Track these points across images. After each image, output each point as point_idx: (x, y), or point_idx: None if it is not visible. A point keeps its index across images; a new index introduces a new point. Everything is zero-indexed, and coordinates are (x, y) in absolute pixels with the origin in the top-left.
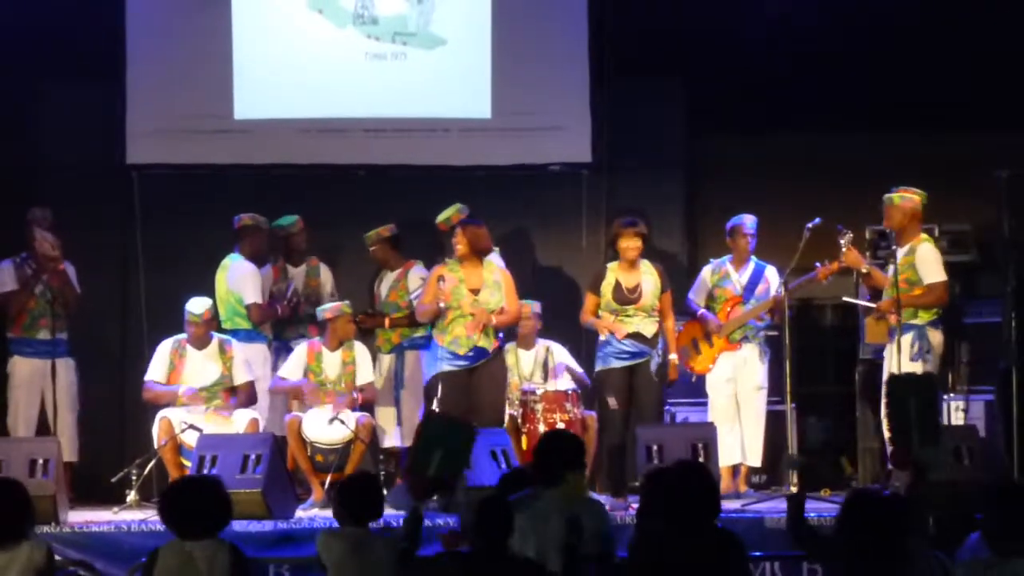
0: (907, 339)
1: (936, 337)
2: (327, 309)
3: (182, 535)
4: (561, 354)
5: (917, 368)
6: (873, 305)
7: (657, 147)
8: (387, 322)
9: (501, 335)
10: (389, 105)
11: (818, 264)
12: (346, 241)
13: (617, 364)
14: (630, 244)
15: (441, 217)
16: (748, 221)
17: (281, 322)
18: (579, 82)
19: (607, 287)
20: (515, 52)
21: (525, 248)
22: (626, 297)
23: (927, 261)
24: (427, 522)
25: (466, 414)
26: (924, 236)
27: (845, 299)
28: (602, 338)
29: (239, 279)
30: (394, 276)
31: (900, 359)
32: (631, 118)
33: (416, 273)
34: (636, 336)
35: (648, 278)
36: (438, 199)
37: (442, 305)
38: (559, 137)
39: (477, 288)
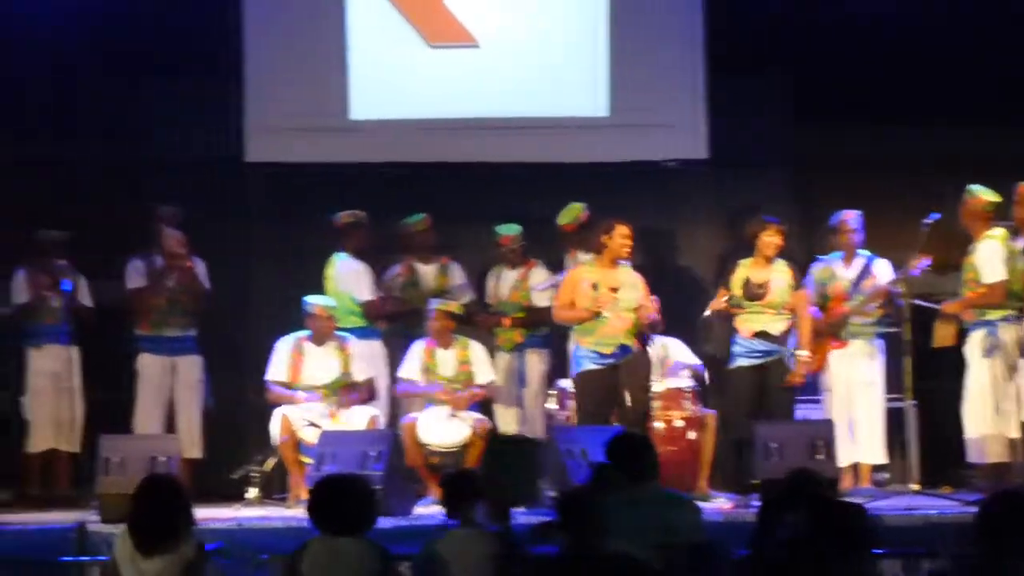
0: (979, 335)
1: (1009, 333)
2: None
3: (330, 531)
4: (678, 349)
5: (986, 365)
6: (938, 306)
7: (768, 142)
8: (507, 321)
9: (651, 336)
10: (505, 103)
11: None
12: (459, 240)
13: (747, 362)
14: (773, 240)
15: (568, 217)
16: (850, 217)
17: (395, 318)
18: (694, 77)
19: (737, 282)
20: (631, 49)
21: (640, 245)
22: (754, 293)
23: (985, 259)
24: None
25: (610, 411)
26: (989, 233)
27: (916, 301)
28: (738, 338)
29: (346, 278)
30: (515, 275)
31: (974, 356)
32: (744, 113)
33: (538, 273)
34: (763, 334)
35: (779, 276)
36: (553, 197)
37: (606, 314)
38: (675, 133)
39: (616, 288)
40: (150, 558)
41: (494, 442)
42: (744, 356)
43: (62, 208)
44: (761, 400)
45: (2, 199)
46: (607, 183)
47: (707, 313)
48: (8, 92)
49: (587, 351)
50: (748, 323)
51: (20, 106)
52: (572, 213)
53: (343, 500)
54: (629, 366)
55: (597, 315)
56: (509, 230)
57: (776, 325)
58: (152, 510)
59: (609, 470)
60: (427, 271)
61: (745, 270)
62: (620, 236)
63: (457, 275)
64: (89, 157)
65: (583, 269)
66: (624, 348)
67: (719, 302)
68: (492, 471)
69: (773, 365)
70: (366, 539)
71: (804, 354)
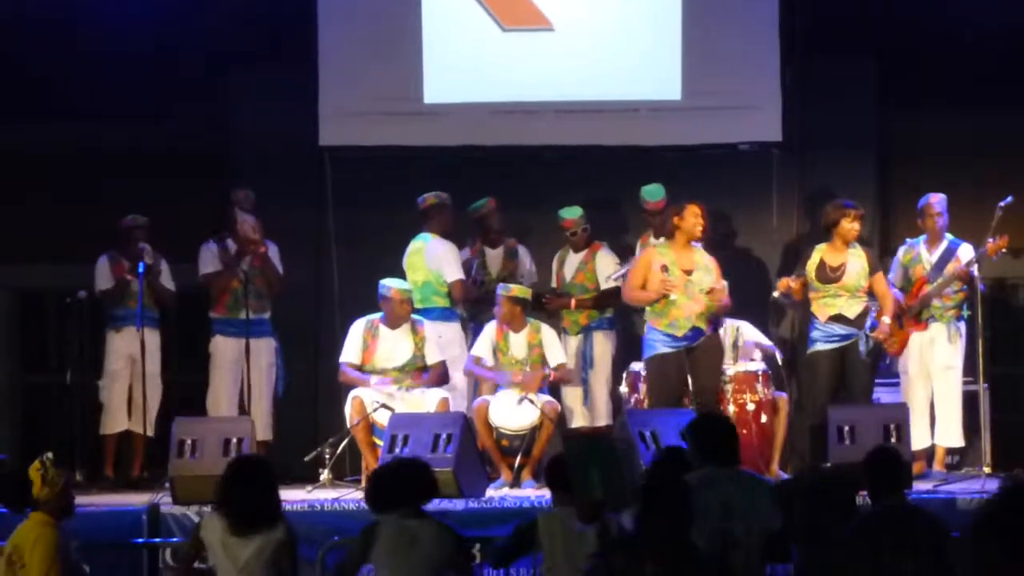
0: None
1: None
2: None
3: (385, 511)
4: (750, 332)
5: None
6: None
7: (849, 126)
8: (573, 303)
9: (722, 320)
10: (578, 86)
11: (990, 240)
12: (534, 223)
13: (825, 347)
14: (854, 226)
15: (657, 195)
16: (936, 200)
17: (475, 302)
18: (770, 60)
19: (812, 266)
20: (705, 31)
21: (714, 228)
22: (829, 276)
23: None
24: None
25: (682, 393)
26: None
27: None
28: (815, 322)
29: (438, 256)
30: (580, 258)
31: None
32: (822, 96)
33: (604, 255)
34: (839, 318)
35: (855, 260)
36: (626, 180)
37: (673, 297)
38: (749, 116)
39: (690, 270)
40: (245, 539)
41: (573, 446)
42: (822, 340)
43: (140, 192)
44: (839, 384)
45: (84, 184)
46: (680, 167)
47: (775, 294)
48: (87, 79)
49: (660, 334)
50: (824, 307)
51: (99, 93)
52: (661, 193)
53: (393, 483)
54: (701, 349)
55: (666, 297)
56: (571, 213)
57: (852, 308)
58: (247, 491)
59: (684, 453)
60: (494, 255)
61: (820, 254)
62: (692, 216)
63: (524, 258)
64: (166, 142)
65: (656, 250)
66: (697, 331)
67: (785, 283)
68: (579, 476)
69: (851, 348)
70: (437, 521)
71: (886, 320)
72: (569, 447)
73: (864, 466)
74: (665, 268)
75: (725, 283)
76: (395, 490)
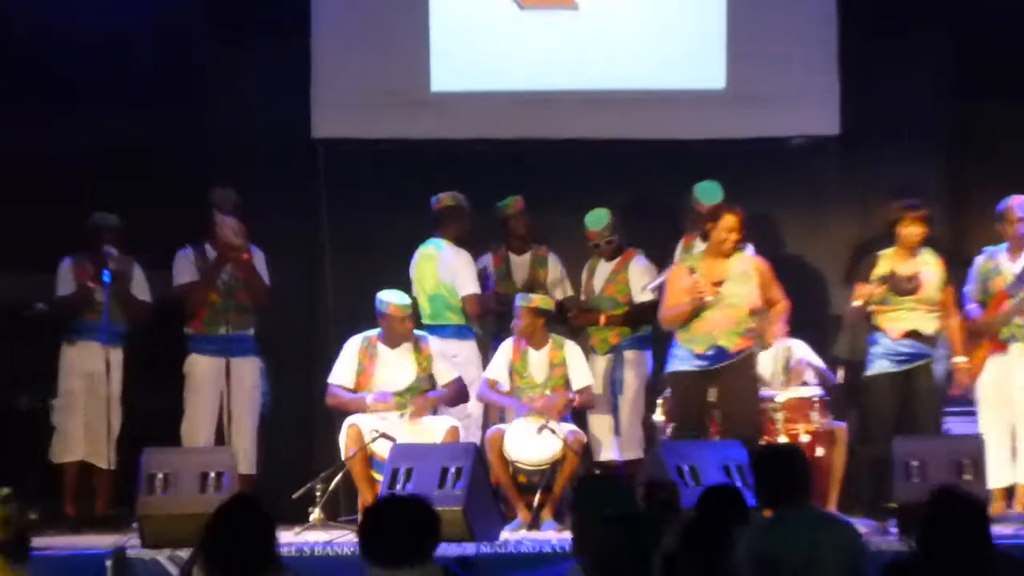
0: None
1: None
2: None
3: (383, 564)
4: (803, 352)
5: None
6: None
7: (915, 117)
8: (602, 319)
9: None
10: (607, 72)
11: None
12: (555, 226)
13: (890, 367)
14: (913, 229)
15: (714, 196)
16: (1017, 204)
17: (493, 317)
18: (826, 45)
19: (879, 276)
20: (753, 10)
21: (763, 232)
22: (904, 287)
23: None
24: None
25: (701, 421)
26: None
27: None
28: (878, 338)
29: (452, 267)
30: (610, 267)
31: None
32: (885, 83)
33: (638, 265)
34: (913, 334)
35: (929, 268)
36: (662, 179)
37: (709, 299)
38: (802, 107)
39: (720, 280)
40: None
41: (582, 484)
42: (886, 359)
43: (112, 192)
44: (904, 411)
45: (45, 184)
46: (723, 164)
47: (856, 304)
48: (46, 63)
49: (681, 348)
50: (897, 322)
51: (61, 80)
52: (719, 195)
53: (393, 527)
54: (727, 375)
55: (699, 306)
56: (595, 223)
57: (928, 324)
58: (238, 538)
59: (736, 494)
60: (520, 262)
61: (888, 262)
62: (724, 229)
63: (554, 267)
64: (139, 136)
65: (687, 261)
66: (720, 351)
67: (867, 290)
68: (588, 516)
69: (920, 371)
70: (431, 564)
71: (961, 360)
72: (579, 488)
73: (927, 508)
74: (692, 270)
75: (786, 304)
76: (391, 536)
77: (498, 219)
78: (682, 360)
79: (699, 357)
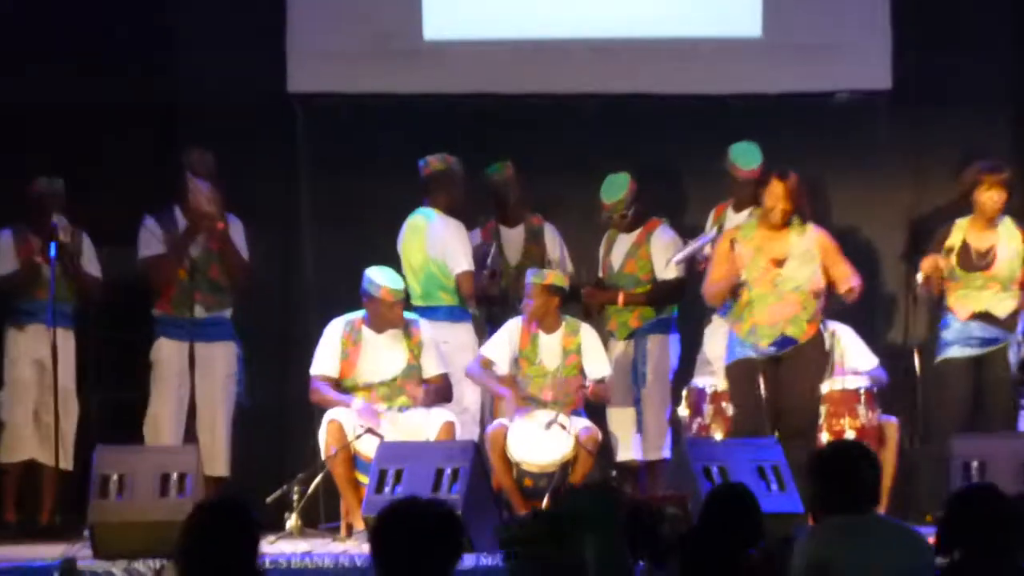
0: None
1: None
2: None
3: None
4: (850, 338)
5: None
6: None
7: (978, 70)
8: (621, 299)
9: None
10: (624, 19)
11: None
12: (567, 193)
13: (961, 352)
14: (993, 196)
15: (753, 160)
16: None
17: (491, 299)
18: None
19: (951, 248)
20: None
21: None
22: (974, 263)
23: None
24: None
25: (763, 413)
26: None
27: None
28: (950, 320)
29: (443, 239)
30: (631, 240)
31: None
32: (942, 32)
33: (662, 236)
34: (985, 316)
35: (1008, 242)
36: (687, 139)
37: (742, 278)
38: (848, 58)
39: (781, 259)
40: None
41: (564, 493)
42: (957, 344)
43: (64, 153)
44: (976, 401)
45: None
46: (759, 122)
47: (919, 278)
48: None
49: (741, 343)
50: (966, 301)
51: (12, 31)
52: (759, 158)
53: (417, 534)
54: (790, 359)
55: (738, 280)
56: (611, 194)
57: (1004, 304)
58: (221, 547)
59: (746, 494)
60: (512, 236)
61: (962, 232)
62: (771, 197)
63: (551, 241)
64: (99, 92)
65: (739, 232)
66: (786, 339)
67: (933, 261)
68: (565, 527)
69: (994, 356)
70: None
71: None
72: (569, 500)
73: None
74: (733, 241)
75: (857, 281)
76: (412, 548)
77: (487, 187)
78: (743, 350)
79: (762, 350)
